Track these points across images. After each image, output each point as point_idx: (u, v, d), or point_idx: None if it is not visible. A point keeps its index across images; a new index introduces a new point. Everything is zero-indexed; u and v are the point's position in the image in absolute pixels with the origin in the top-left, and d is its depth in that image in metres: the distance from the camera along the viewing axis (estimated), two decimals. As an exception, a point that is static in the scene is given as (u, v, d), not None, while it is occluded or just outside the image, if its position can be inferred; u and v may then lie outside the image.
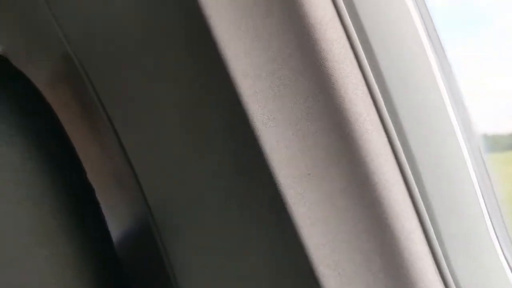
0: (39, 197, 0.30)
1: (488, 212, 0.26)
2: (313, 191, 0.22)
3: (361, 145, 0.21)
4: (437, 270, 0.22)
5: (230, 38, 0.21)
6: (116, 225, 0.36)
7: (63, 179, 0.31)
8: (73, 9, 0.31)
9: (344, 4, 0.21)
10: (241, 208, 0.24)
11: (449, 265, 0.22)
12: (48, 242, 0.30)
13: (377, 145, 0.22)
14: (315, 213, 0.22)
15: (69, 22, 0.31)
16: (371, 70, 0.21)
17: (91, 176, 0.33)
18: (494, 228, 0.26)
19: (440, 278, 0.22)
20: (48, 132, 0.31)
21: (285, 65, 0.22)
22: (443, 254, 0.23)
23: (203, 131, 0.24)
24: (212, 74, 0.22)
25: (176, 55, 0.24)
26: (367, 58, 0.21)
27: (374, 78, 0.21)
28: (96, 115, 0.34)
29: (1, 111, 0.30)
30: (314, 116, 0.22)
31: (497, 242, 0.26)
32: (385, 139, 0.22)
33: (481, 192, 0.27)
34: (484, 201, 0.27)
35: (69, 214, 0.31)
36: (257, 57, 0.22)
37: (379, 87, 0.22)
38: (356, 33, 0.21)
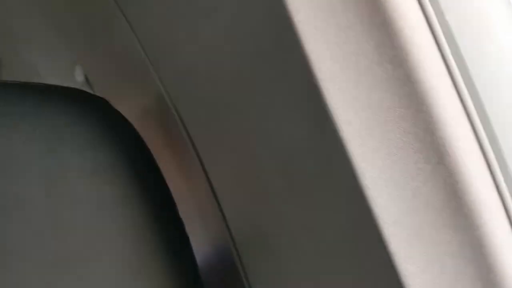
0: (137, 232, 0.32)
1: None
2: (422, 253, 0.22)
3: (473, 208, 0.21)
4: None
5: (343, 101, 0.22)
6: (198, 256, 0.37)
7: (158, 214, 0.33)
8: (168, 53, 0.32)
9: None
10: (344, 259, 0.25)
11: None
12: (144, 276, 0.32)
13: (491, 208, 0.22)
14: (424, 275, 0.22)
15: (164, 64, 0.33)
16: (486, 136, 0.21)
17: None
18: None
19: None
20: (144, 168, 0.33)
21: (396, 127, 0.22)
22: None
23: (309, 184, 0.25)
24: (321, 131, 0.23)
25: (283, 105, 0.25)
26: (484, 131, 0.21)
27: (490, 144, 0.21)
28: (184, 150, 0.35)
29: (103, 150, 0.32)
30: (424, 177, 0.22)
31: None
32: (498, 199, 0.22)
33: None
34: None
35: (163, 247, 0.32)
36: (368, 119, 0.22)
37: (494, 154, 0.22)
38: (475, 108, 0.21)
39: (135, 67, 0.38)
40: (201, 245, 0.37)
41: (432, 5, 0.21)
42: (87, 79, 0.59)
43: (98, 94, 0.57)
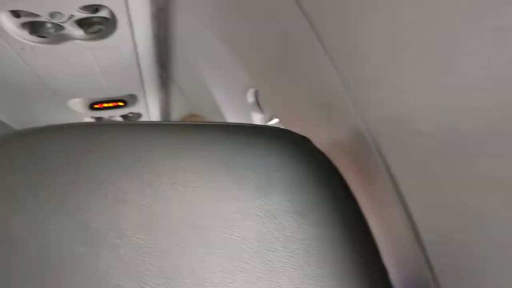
0: (342, 277, 0.31)
1: None
2: None
3: None
4: None
5: None
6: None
7: (362, 260, 0.31)
8: (372, 95, 0.31)
9: None
10: None
11: None
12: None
13: None
14: None
15: (368, 101, 0.31)
16: None
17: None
18: None
19: None
20: (349, 210, 0.32)
21: None
22: None
23: None
24: None
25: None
26: None
27: None
28: (384, 189, 0.34)
29: (309, 191, 0.32)
30: None
31: None
32: None
33: None
34: None
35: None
36: None
37: None
38: None
39: (329, 99, 0.37)
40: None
41: None
42: (257, 102, 0.61)
43: (268, 115, 0.59)
